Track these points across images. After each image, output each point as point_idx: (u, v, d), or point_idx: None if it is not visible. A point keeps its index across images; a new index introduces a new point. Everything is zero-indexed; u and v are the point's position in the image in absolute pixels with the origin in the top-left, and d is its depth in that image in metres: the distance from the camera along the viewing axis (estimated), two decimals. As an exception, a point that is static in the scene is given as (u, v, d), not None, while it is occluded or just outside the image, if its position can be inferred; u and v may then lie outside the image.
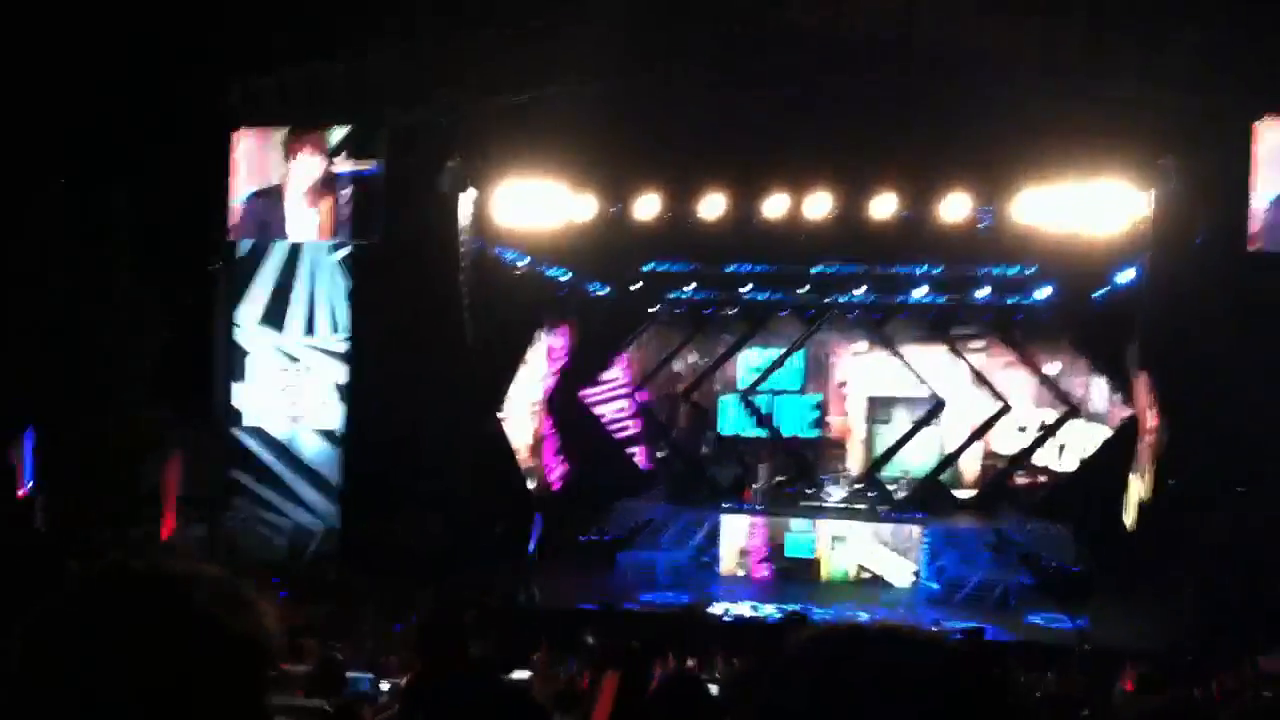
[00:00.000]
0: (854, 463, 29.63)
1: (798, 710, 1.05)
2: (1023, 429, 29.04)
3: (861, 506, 25.43)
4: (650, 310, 30.73)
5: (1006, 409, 28.90)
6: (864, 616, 18.46)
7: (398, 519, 21.36)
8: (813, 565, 24.43)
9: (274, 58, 22.30)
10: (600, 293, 30.24)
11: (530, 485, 28.35)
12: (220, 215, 22.33)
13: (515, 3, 21.69)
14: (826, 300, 29.26)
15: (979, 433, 29.16)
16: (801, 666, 1.09)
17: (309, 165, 22.18)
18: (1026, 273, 27.16)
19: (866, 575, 24.25)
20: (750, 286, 29.36)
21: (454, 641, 4.60)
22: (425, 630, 4.80)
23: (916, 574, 23.99)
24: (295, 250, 22.43)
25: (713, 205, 22.81)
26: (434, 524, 21.52)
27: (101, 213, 21.53)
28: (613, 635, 13.93)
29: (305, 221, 22.23)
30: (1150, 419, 22.97)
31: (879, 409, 30.82)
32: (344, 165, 22.07)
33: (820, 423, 31.18)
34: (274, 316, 22.48)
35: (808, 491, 26.63)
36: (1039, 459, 28.80)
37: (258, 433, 22.50)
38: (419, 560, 20.66)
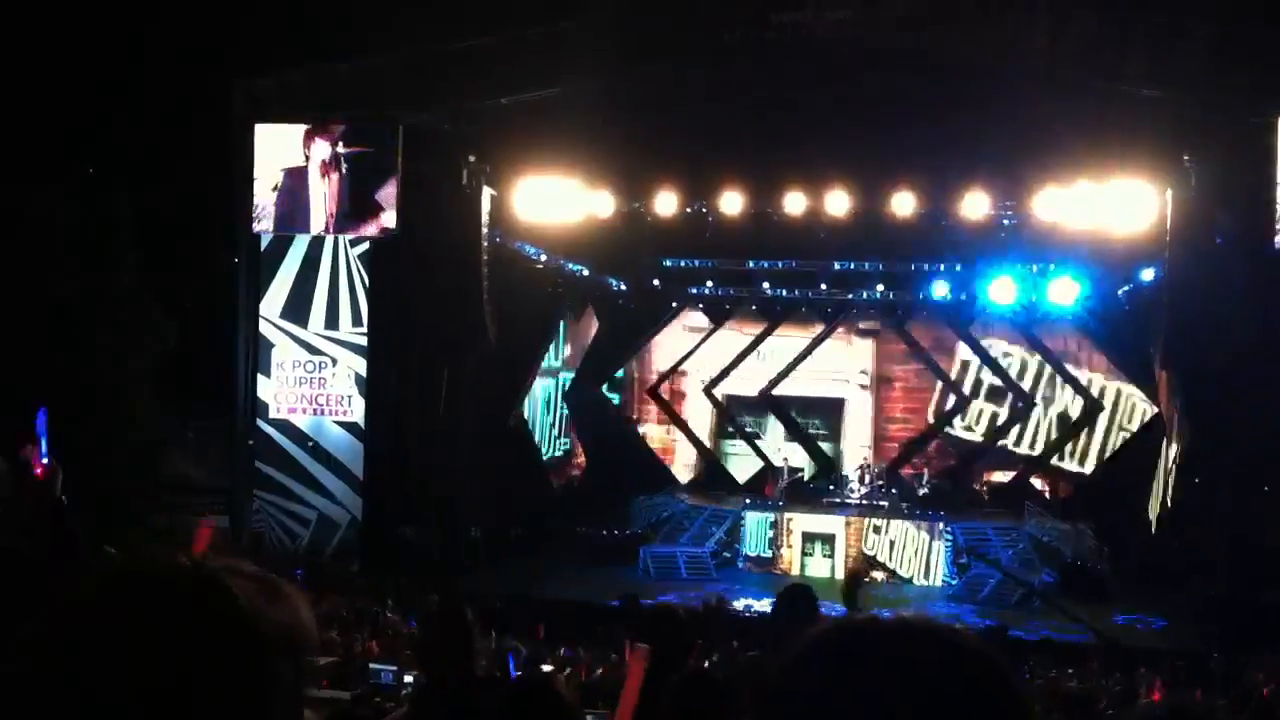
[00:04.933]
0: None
1: (809, 703, 1.05)
2: (1044, 427, 28.86)
3: (884, 504, 25.21)
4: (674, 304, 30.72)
5: (1030, 407, 28.72)
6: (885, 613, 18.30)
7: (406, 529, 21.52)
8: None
9: (277, 59, 22.30)
10: (619, 288, 30.21)
11: (552, 478, 28.39)
12: (238, 210, 22.36)
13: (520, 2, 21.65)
14: (849, 296, 29.14)
15: (1001, 430, 28.98)
16: (813, 658, 1.08)
17: (326, 159, 22.22)
18: (1049, 269, 26.97)
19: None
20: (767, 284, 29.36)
21: (459, 650, 4.29)
22: (428, 640, 4.46)
23: (930, 573, 23.89)
24: (317, 244, 22.46)
25: (731, 202, 22.79)
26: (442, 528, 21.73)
27: (104, 213, 21.49)
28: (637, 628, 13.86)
29: (326, 214, 22.25)
30: (1174, 418, 22.77)
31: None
32: (359, 160, 22.11)
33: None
34: (296, 310, 22.52)
35: (830, 488, 26.46)
36: (1060, 458, 28.60)
37: (283, 425, 22.55)
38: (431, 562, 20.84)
